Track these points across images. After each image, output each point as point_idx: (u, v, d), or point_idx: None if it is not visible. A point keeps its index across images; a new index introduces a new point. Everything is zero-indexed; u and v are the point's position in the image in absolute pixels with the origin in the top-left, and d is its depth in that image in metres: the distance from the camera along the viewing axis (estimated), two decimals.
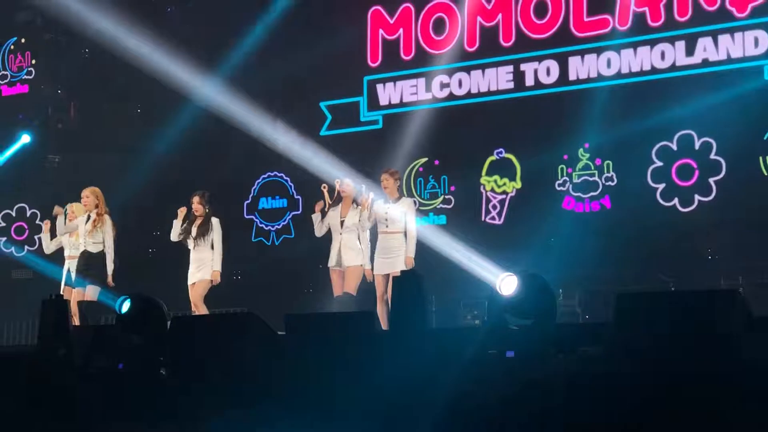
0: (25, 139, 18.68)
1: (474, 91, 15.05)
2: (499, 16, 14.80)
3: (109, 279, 12.82)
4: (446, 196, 15.06)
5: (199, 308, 12.65)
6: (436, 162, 15.25)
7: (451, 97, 15.21)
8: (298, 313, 7.79)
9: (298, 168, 15.31)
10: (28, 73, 19.42)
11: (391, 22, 15.58)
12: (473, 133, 14.69)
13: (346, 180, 12.55)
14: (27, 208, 18.66)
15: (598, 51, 14.17)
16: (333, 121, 15.99)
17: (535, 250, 12.89)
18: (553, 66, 14.41)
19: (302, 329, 7.05)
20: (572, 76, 14.32)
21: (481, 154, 14.85)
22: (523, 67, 14.64)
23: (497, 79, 14.85)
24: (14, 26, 19.21)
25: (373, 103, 15.76)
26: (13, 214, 18.80)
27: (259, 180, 16.65)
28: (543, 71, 14.48)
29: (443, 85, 15.25)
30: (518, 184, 14.65)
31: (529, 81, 14.60)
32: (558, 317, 6.64)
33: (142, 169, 16.73)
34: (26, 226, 18.58)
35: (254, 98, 15.51)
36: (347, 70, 15.90)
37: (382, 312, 11.53)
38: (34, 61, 19.08)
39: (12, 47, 19.14)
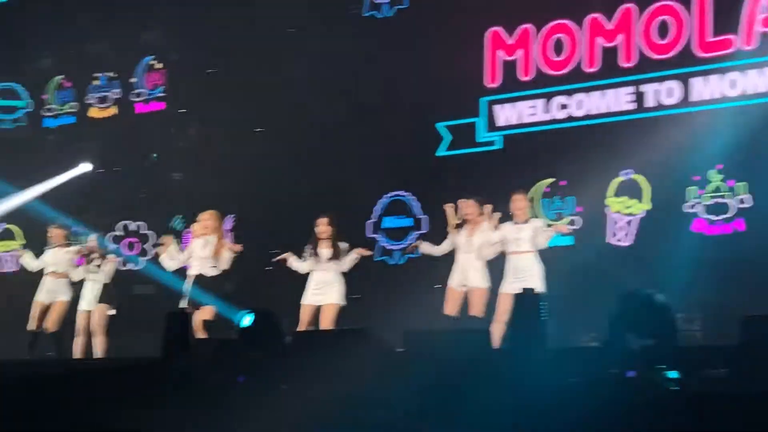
0: (147, 157, 19.11)
1: (593, 112, 14.93)
2: (620, 36, 14.65)
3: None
4: (572, 217, 14.83)
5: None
6: (562, 182, 15.01)
7: (570, 118, 15.09)
8: (417, 329, 7.81)
9: (423, 187, 15.27)
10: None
11: (510, 43, 15.54)
12: (599, 153, 14.40)
13: (470, 201, 12.61)
14: (146, 225, 19.11)
15: (722, 71, 13.95)
16: (451, 141, 15.99)
17: (662, 272, 12.67)
18: (676, 87, 14.22)
19: (421, 346, 7.08)
20: (694, 97, 14.09)
21: (608, 175, 14.62)
22: (643, 88, 14.48)
23: (617, 100, 14.71)
24: (140, 46, 19.68)
25: (491, 124, 15.73)
26: (132, 229, 19.23)
27: (383, 199, 16.56)
28: (664, 92, 14.30)
29: (562, 106, 15.16)
30: (646, 206, 14.38)
31: (650, 102, 14.43)
32: (679, 339, 6.54)
33: (262, 186, 16.94)
34: (138, 241, 18.99)
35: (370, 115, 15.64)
36: (465, 91, 15.89)
37: (497, 331, 11.51)
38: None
39: (149, 64, 19.60)
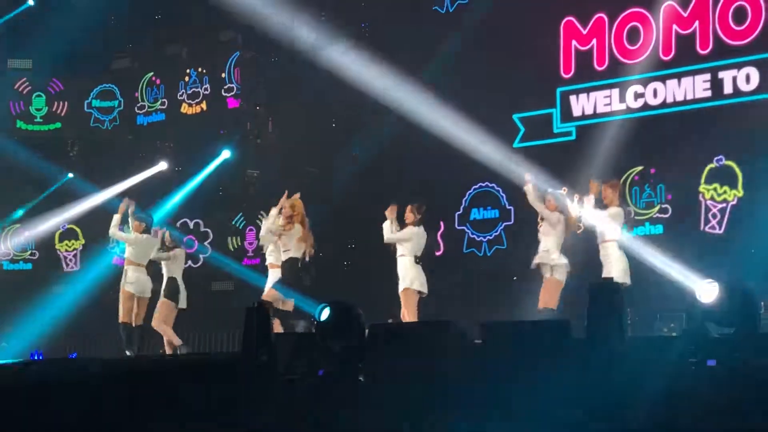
0: (226, 154, 19.29)
1: (669, 100, 14.79)
2: (696, 23, 14.50)
3: None
4: (663, 205, 14.66)
5: (408, 316, 12.85)
6: (652, 170, 14.83)
7: (646, 107, 14.97)
8: (494, 321, 7.81)
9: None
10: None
11: (584, 32, 15.45)
12: (690, 140, 14.29)
13: (549, 193, 12.70)
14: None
15: None
16: (526, 133, 15.94)
17: (757, 260, 12.45)
18: (753, 73, 14.03)
19: (498, 337, 7.08)
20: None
21: (700, 162, 14.40)
22: (721, 74, 14.31)
23: (694, 87, 14.55)
24: (218, 45, 19.86)
25: (567, 115, 15.65)
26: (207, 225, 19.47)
27: (470, 191, 16.51)
28: (743, 78, 14.12)
29: (638, 95, 15.03)
30: (740, 192, 14.15)
31: (728, 89, 14.26)
32: (761, 327, 6.48)
33: (339, 181, 17.04)
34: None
35: (452, 108, 15.61)
36: (540, 81, 15.84)
37: None
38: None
39: (235, 61, 19.78)
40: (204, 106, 19.95)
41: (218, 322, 17.77)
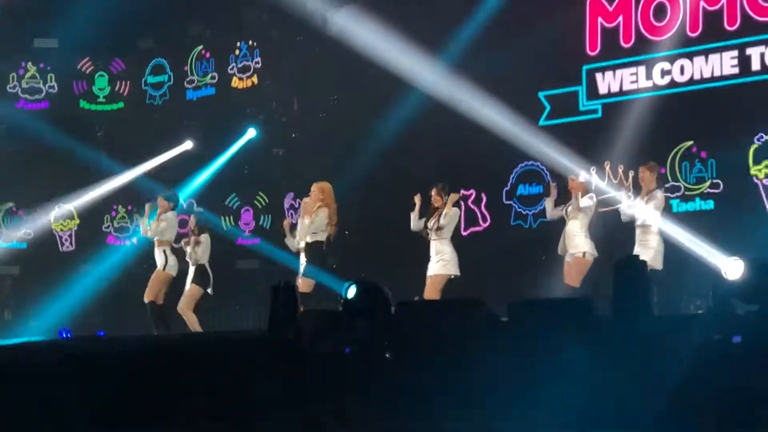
0: (251, 133, 19.31)
1: (697, 77, 14.70)
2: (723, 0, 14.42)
3: None
4: (714, 180, 14.38)
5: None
6: (699, 149, 14.55)
7: (673, 84, 14.90)
8: (521, 299, 7.82)
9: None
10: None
11: (610, 9, 15.38)
12: (735, 116, 14.04)
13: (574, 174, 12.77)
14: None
15: None
16: (552, 110, 15.90)
17: None
18: None
19: (524, 315, 7.09)
20: None
21: (745, 140, 14.10)
22: (749, 51, 14.21)
23: (721, 64, 14.46)
24: (242, 24, 19.83)
25: (593, 92, 15.60)
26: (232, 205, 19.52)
27: (517, 168, 16.34)
28: None
29: (665, 72, 14.95)
30: None
31: (756, 65, 14.17)
32: None
33: (365, 160, 17.04)
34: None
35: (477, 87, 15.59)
36: (566, 59, 15.79)
37: None
38: (259, 59, 19.68)
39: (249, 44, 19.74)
40: (255, 80, 19.73)
41: (244, 301, 17.87)
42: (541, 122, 15.86)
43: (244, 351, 8.37)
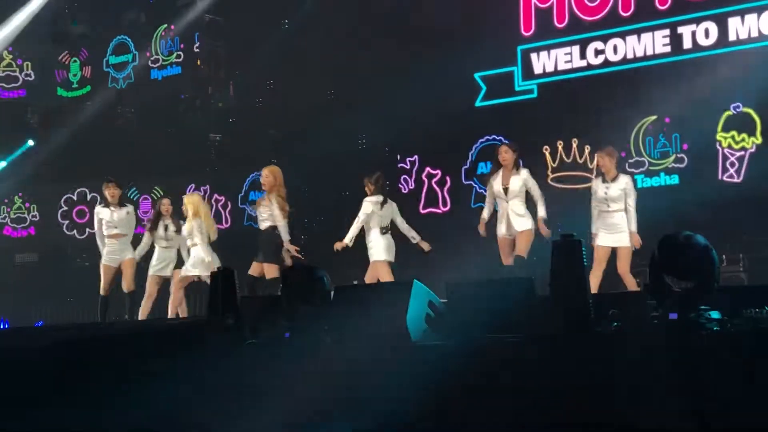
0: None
1: (630, 56, 14.84)
2: None
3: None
4: (678, 155, 14.39)
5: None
6: (667, 119, 14.50)
7: (606, 63, 15.05)
8: (458, 281, 7.84)
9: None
10: (177, 56, 19.76)
11: None
12: (705, 88, 13.89)
13: (503, 146, 12.62)
14: (193, 187, 19.05)
15: (759, 10, 13.79)
16: (488, 91, 15.97)
17: None
18: (712, 27, 14.10)
19: (462, 296, 7.12)
20: (732, 37, 13.96)
21: (716, 109, 14.08)
22: (680, 29, 14.36)
23: (653, 43, 14.60)
24: (174, 9, 19.67)
25: (528, 73, 15.68)
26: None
27: (477, 145, 16.33)
28: (701, 33, 14.17)
29: (598, 52, 15.09)
30: (758, 139, 13.83)
31: (687, 44, 14.32)
32: (721, 281, 6.53)
33: (302, 147, 16.99)
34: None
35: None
36: (500, 40, 15.86)
37: (594, 284, 11.52)
38: (182, 45, 19.46)
39: (164, 32, 19.53)
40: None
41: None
42: (478, 103, 15.92)
43: (185, 337, 8.36)
